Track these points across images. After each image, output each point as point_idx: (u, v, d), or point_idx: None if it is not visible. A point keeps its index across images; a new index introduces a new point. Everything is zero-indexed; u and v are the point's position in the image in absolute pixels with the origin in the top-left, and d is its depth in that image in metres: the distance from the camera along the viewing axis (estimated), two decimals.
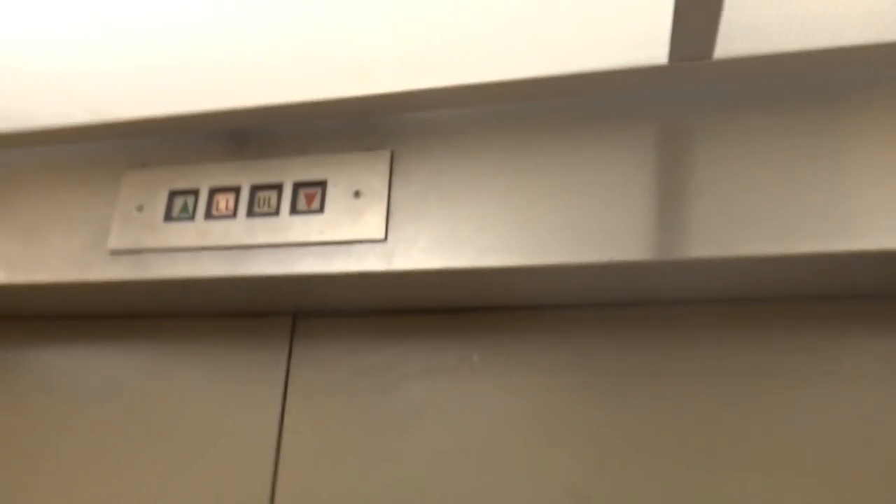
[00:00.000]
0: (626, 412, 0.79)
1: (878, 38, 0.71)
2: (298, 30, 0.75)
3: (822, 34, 0.71)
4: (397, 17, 0.73)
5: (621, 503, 0.76)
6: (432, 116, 0.85)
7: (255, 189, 0.86)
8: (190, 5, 0.72)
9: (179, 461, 0.89)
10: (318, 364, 0.90)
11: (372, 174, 0.83)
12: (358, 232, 0.81)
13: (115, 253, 0.87)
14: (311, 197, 0.84)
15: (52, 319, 1.01)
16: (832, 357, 0.76)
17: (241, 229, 0.84)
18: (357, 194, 0.83)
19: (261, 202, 0.85)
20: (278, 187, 0.85)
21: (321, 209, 0.83)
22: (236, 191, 0.87)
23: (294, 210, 0.84)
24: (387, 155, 0.84)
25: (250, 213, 0.85)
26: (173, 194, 0.89)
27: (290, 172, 0.86)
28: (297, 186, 0.85)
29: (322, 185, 0.84)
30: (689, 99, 0.78)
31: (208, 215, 0.86)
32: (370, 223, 0.81)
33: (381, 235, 0.80)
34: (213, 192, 0.88)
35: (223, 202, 0.87)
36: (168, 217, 0.88)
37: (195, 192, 0.88)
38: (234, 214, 0.85)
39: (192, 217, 0.87)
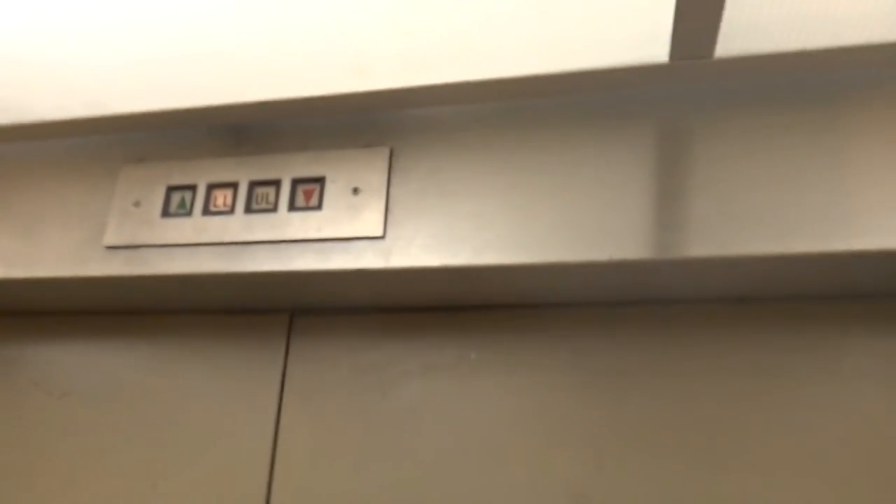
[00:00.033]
0: (625, 411, 0.79)
1: (878, 38, 0.71)
2: (298, 25, 0.75)
3: (823, 34, 0.71)
4: (397, 14, 0.73)
5: (620, 502, 0.76)
6: (432, 113, 0.84)
7: (253, 185, 0.86)
8: (188, 1, 0.72)
9: (176, 457, 0.89)
10: (316, 361, 0.90)
11: (371, 171, 0.83)
12: (356, 229, 0.80)
13: (112, 248, 0.87)
14: (309, 193, 0.84)
15: (48, 315, 1.01)
16: (832, 356, 0.76)
17: (239, 225, 0.84)
18: (356, 191, 0.82)
19: (259, 198, 0.85)
20: (276, 183, 0.85)
21: (319, 206, 0.83)
22: (234, 187, 0.86)
23: (292, 206, 0.83)
24: (386, 152, 0.83)
25: (248, 209, 0.85)
26: (171, 190, 0.89)
27: (288, 168, 0.85)
28: (296, 183, 0.85)
29: (320, 181, 0.84)
30: (689, 98, 0.78)
31: (206, 211, 0.86)
32: (369, 220, 0.80)
33: (380, 232, 0.80)
34: (210, 187, 0.87)
35: (221, 198, 0.86)
36: (165, 213, 0.87)
37: (193, 188, 0.88)
38: (232, 210, 0.85)
39: (190, 213, 0.86)
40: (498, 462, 0.80)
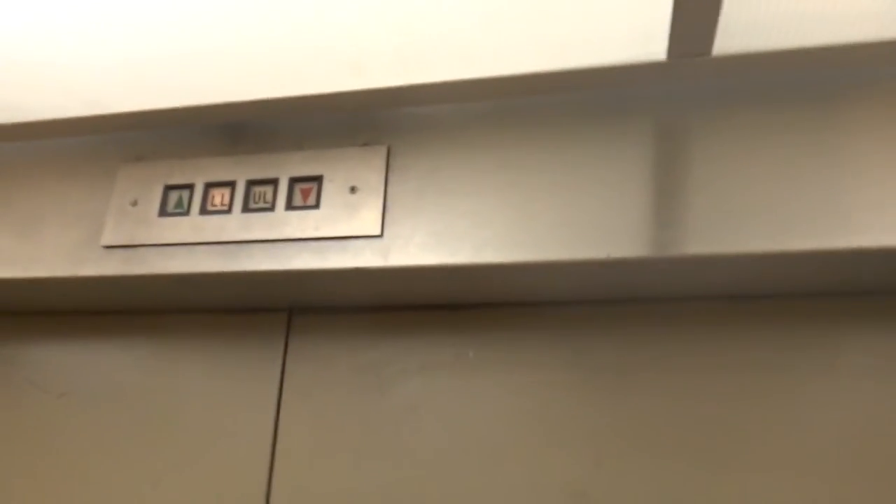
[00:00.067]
0: (624, 409, 0.79)
1: (876, 35, 0.71)
2: (295, 24, 0.74)
3: (821, 31, 0.71)
4: (394, 12, 0.72)
5: (619, 500, 0.76)
6: (429, 112, 0.84)
7: (250, 184, 0.86)
8: None
9: (175, 457, 0.89)
10: (315, 360, 0.90)
11: (368, 169, 0.83)
12: (354, 228, 0.80)
13: (110, 248, 0.87)
14: (306, 192, 0.84)
15: (46, 315, 1.01)
16: (830, 353, 0.76)
17: (237, 224, 0.84)
18: (353, 190, 0.82)
19: (256, 197, 0.85)
20: (274, 182, 0.85)
21: (317, 204, 0.83)
22: (232, 185, 0.86)
23: (290, 205, 0.83)
24: (383, 150, 0.83)
25: (246, 208, 0.85)
26: (168, 189, 0.88)
27: (285, 167, 0.85)
28: (293, 181, 0.84)
29: (318, 180, 0.84)
30: (687, 95, 0.78)
31: (203, 210, 0.86)
32: (366, 219, 0.80)
33: (378, 231, 0.79)
34: (208, 186, 0.87)
35: (218, 197, 0.86)
36: (163, 212, 0.87)
37: (190, 187, 0.87)
38: (230, 209, 0.85)
39: (188, 212, 0.86)
40: (497, 460, 0.80)
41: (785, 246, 0.70)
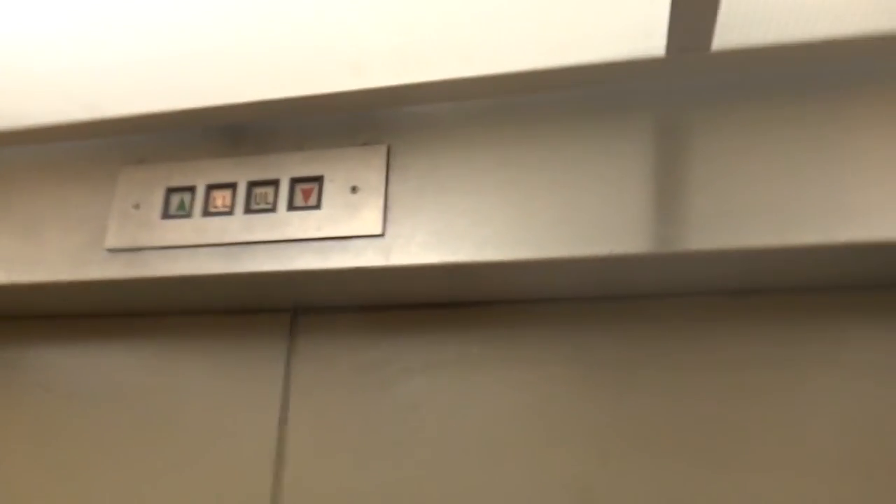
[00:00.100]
0: (627, 405, 0.79)
1: (878, 28, 0.70)
2: (293, 25, 0.74)
3: (822, 24, 0.70)
4: (392, 11, 0.72)
5: (623, 495, 0.76)
6: (429, 110, 0.84)
7: (251, 185, 0.86)
8: (183, 1, 0.72)
9: (181, 458, 0.89)
10: (319, 360, 0.90)
11: (368, 169, 0.83)
12: (355, 227, 0.80)
13: (113, 251, 0.87)
14: (307, 193, 0.84)
15: (51, 318, 1.01)
16: (834, 348, 0.76)
17: (239, 226, 0.84)
18: (354, 189, 0.82)
19: (258, 198, 0.85)
20: (275, 183, 0.85)
21: (318, 205, 0.83)
22: (233, 187, 0.86)
23: (291, 206, 0.84)
24: (383, 150, 0.83)
25: (247, 209, 0.85)
26: (170, 191, 0.89)
27: (286, 168, 0.85)
28: (294, 182, 0.85)
29: (319, 180, 0.84)
30: (687, 91, 0.78)
31: (205, 212, 0.86)
32: (367, 218, 0.80)
33: (379, 230, 0.80)
34: (209, 188, 0.87)
35: (220, 199, 0.86)
36: (165, 214, 0.87)
37: (192, 189, 0.88)
38: (232, 211, 0.85)
39: (190, 214, 0.87)
40: (501, 456, 0.81)
41: (787, 240, 0.69)
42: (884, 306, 0.76)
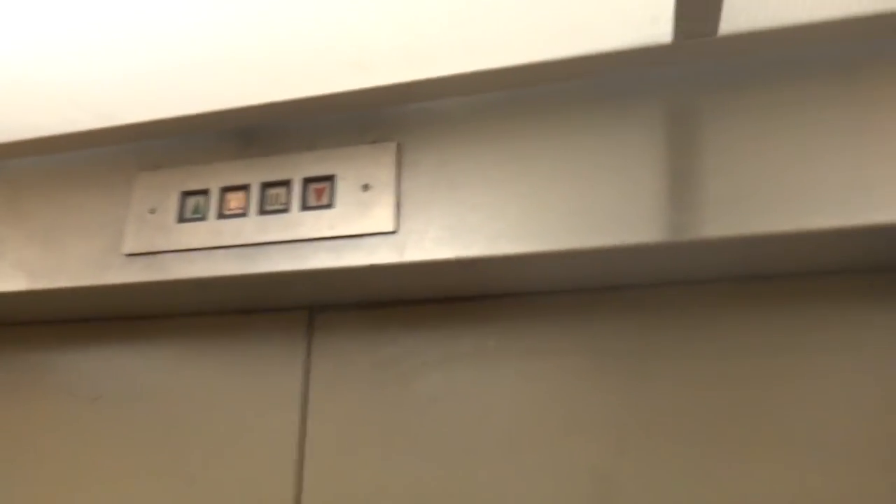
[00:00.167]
0: (645, 393, 0.79)
1: (887, 6, 0.69)
2: (299, 26, 0.75)
3: (830, 4, 0.69)
4: (397, 7, 0.72)
5: (641, 483, 0.76)
6: (437, 106, 0.84)
7: (264, 186, 0.87)
8: (188, 8, 0.72)
9: (204, 458, 0.91)
10: (337, 357, 0.91)
11: (379, 167, 0.83)
12: (368, 225, 0.81)
13: (131, 256, 0.89)
14: (320, 192, 0.84)
15: (73, 323, 1.03)
16: (851, 333, 0.75)
17: (253, 227, 0.85)
18: (366, 187, 0.83)
19: (271, 199, 0.86)
20: (287, 184, 0.86)
21: (331, 204, 0.83)
22: (246, 189, 0.87)
23: (304, 206, 0.84)
24: (393, 147, 0.84)
25: (261, 210, 0.86)
26: (185, 195, 0.90)
27: (298, 168, 0.86)
28: (306, 182, 0.85)
29: (330, 179, 0.85)
30: (696, 77, 0.77)
31: (220, 215, 0.87)
32: (380, 216, 0.81)
33: (392, 227, 0.80)
34: (223, 191, 0.88)
35: (234, 201, 0.87)
36: (181, 218, 0.89)
37: (206, 192, 0.89)
38: (246, 213, 0.86)
39: (205, 217, 0.87)
40: (520, 447, 0.81)
41: (803, 225, 0.69)
42: None
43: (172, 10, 0.73)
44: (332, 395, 0.89)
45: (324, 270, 0.82)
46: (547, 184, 0.77)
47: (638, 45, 0.75)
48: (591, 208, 0.75)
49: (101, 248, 0.90)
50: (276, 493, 0.86)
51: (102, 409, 0.97)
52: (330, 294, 0.90)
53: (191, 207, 0.89)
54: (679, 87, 0.77)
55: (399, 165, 0.83)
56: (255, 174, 0.87)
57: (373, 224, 0.81)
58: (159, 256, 0.87)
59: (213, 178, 0.89)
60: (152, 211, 0.90)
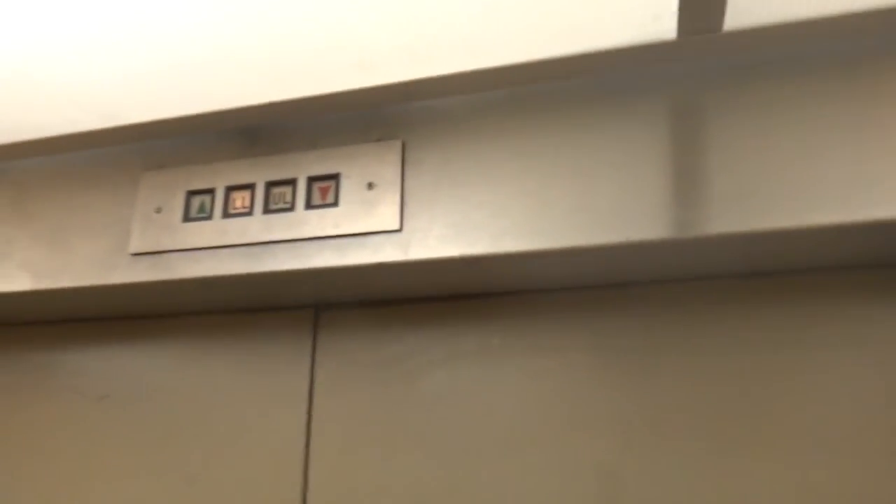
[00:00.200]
0: (649, 389, 0.79)
1: (890, 2, 0.69)
2: (302, 25, 0.75)
3: (831, 0, 0.69)
4: (400, 6, 0.73)
5: (648, 479, 0.76)
6: (441, 104, 0.84)
7: (269, 185, 0.87)
8: (192, 8, 0.73)
9: (213, 455, 0.91)
10: (342, 355, 0.91)
11: (384, 165, 0.83)
12: (373, 223, 0.81)
13: (137, 255, 0.89)
14: (325, 191, 0.84)
15: (79, 322, 1.03)
16: (855, 328, 0.75)
17: (259, 226, 0.85)
18: (370, 186, 0.83)
19: (276, 198, 0.86)
20: (292, 182, 0.86)
21: (336, 202, 0.83)
22: (251, 188, 0.87)
23: (309, 204, 0.84)
24: (398, 145, 0.84)
25: (266, 209, 0.86)
26: (190, 194, 0.90)
27: (302, 167, 0.86)
28: (311, 181, 0.85)
29: (335, 178, 0.85)
30: (701, 74, 0.77)
31: (225, 214, 0.87)
32: (385, 214, 0.81)
33: (397, 226, 0.80)
34: (228, 190, 0.88)
35: (239, 200, 0.87)
36: (186, 217, 0.89)
37: (211, 192, 0.89)
38: (251, 211, 0.86)
39: (210, 216, 0.88)
40: (525, 444, 0.81)
41: (806, 221, 0.69)
42: None
43: (176, 9, 0.73)
44: (338, 393, 0.89)
45: (329, 269, 0.82)
46: (551, 181, 0.77)
47: (642, 42, 0.75)
48: (596, 205, 0.75)
49: (106, 247, 0.91)
50: (283, 491, 0.86)
51: (109, 409, 0.98)
52: (335, 292, 0.90)
53: (196, 207, 0.89)
54: (683, 83, 0.77)
55: (403, 164, 0.83)
56: (259, 173, 0.88)
57: (377, 222, 0.81)
58: (165, 256, 0.88)
59: (218, 178, 0.89)
60: (158, 210, 0.90)
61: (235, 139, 0.91)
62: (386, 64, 0.80)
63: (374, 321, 0.92)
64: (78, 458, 0.96)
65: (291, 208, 0.85)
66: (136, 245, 0.89)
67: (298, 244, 0.83)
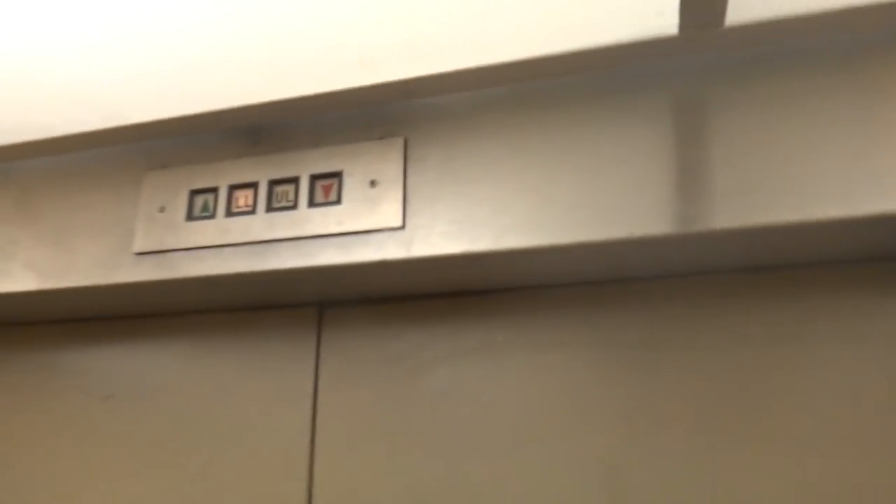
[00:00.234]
0: (653, 384, 0.79)
1: None
2: (303, 23, 0.75)
3: None
4: (401, 2, 0.73)
5: (652, 474, 0.77)
6: (443, 101, 0.84)
7: (272, 184, 0.87)
8: (194, 7, 0.73)
9: (216, 454, 0.91)
10: (347, 352, 0.91)
11: (386, 162, 0.83)
12: (376, 221, 0.81)
13: (141, 254, 0.89)
14: (327, 189, 0.85)
15: (84, 322, 1.04)
16: (859, 322, 0.75)
17: (262, 224, 0.85)
18: (373, 183, 0.83)
19: (279, 196, 0.86)
20: (295, 181, 0.86)
21: (338, 200, 0.84)
22: (254, 186, 0.87)
23: (312, 202, 0.84)
24: (400, 142, 0.84)
25: (269, 207, 0.86)
26: (193, 193, 0.90)
27: (305, 165, 0.86)
28: (314, 179, 0.85)
29: (338, 175, 0.85)
30: (703, 69, 0.77)
31: (229, 212, 0.87)
32: (387, 211, 0.81)
33: (399, 223, 0.80)
34: (231, 189, 0.89)
35: (242, 199, 0.88)
36: (190, 216, 0.89)
37: (214, 191, 0.89)
38: (254, 210, 0.86)
39: (213, 215, 0.88)
40: (529, 440, 0.81)
41: (811, 215, 0.69)
42: None
43: (178, 9, 0.73)
44: (342, 391, 0.90)
45: (332, 267, 0.82)
46: (553, 177, 0.77)
47: (644, 38, 0.74)
48: (598, 201, 0.75)
49: (110, 247, 0.91)
50: (289, 489, 0.87)
51: (114, 408, 0.98)
52: (338, 290, 0.90)
53: (199, 206, 0.89)
54: (685, 79, 0.77)
55: (406, 161, 0.83)
56: (262, 172, 0.88)
57: (380, 220, 0.81)
58: (169, 255, 0.88)
59: (221, 177, 0.89)
60: (161, 210, 0.90)
61: (238, 138, 0.92)
62: (387, 61, 0.80)
63: (378, 318, 0.92)
64: (83, 458, 0.97)
65: (294, 206, 0.85)
66: (139, 244, 0.89)
67: (302, 242, 0.83)
